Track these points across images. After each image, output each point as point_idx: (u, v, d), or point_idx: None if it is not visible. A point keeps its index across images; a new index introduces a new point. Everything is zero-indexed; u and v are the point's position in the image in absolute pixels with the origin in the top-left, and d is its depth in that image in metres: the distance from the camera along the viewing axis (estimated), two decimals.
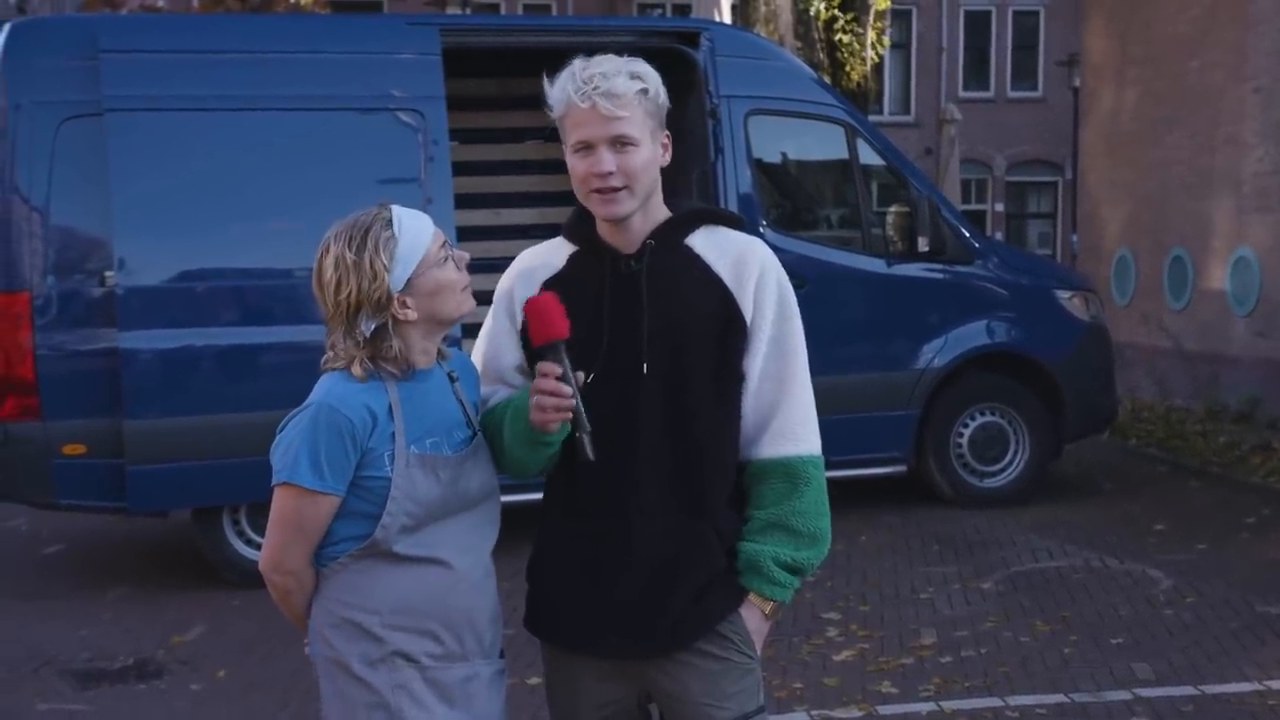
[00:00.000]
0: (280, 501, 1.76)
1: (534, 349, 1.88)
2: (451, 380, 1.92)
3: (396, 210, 1.80)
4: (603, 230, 1.94)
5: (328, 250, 1.76)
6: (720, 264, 1.96)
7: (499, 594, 2.05)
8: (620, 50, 2.10)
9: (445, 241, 1.88)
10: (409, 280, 1.75)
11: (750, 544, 1.95)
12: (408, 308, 1.75)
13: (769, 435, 1.96)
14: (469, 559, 1.98)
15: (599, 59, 1.97)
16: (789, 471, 1.93)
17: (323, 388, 1.77)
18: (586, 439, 1.81)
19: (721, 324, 1.91)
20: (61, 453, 5.49)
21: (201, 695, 4.61)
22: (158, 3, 17.23)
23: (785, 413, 1.95)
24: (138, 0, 16.30)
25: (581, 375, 1.87)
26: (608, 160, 1.86)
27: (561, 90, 1.86)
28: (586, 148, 1.85)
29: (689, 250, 1.97)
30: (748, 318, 1.92)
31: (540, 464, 1.95)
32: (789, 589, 1.99)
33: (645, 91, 1.93)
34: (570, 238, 2.00)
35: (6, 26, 6.08)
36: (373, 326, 1.76)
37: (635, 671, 2.05)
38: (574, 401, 1.79)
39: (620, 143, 1.87)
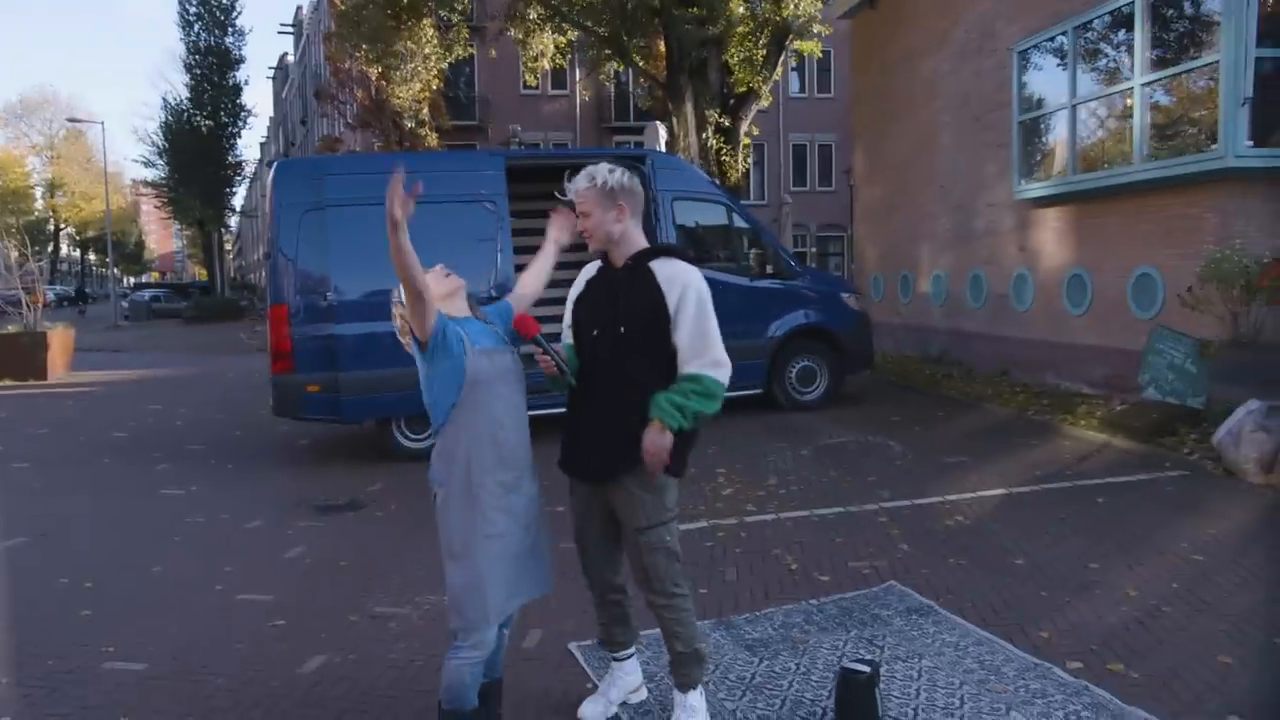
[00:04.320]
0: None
1: (527, 340, 2.95)
2: (482, 319, 2.98)
3: None
4: (609, 256, 3.02)
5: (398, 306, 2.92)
6: (662, 278, 2.89)
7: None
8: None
9: (439, 267, 3.00)
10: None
11: (659, 394, 2.86)
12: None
13: (688, 363, 2.86)
14: (512, 411, 2.93)
15: (581, 173, 3.01)
16: (694, 378, 2.84)
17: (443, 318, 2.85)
18: (570, 376, 2.93)
19: (656, 310, 2.86)
20: (306, 390, 7.77)
21: (383, 519, 6.24)
22: (356, 146, 20.36)
23: (696, 354, 2.84)
24: (346, 147, 19.54)
25: (559, 346, 3.00)
26: (582, 223, 3.00)
27: (567, 190, 3.00)
28: (579, 216, 3.00)
29: (648, 269, 2.91)
30: (671, 309, 2.84)
31: (563, 388, 3.03)
32: (673, 416, 2.81)
33: (593, 184, 2.96)
34: (599, 258, 3.08)
35: (276, 163, 8.65)
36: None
37: (601, 490, 3.05)
38: (555, 363, 2.90)
39: (584, 214, 2.97)
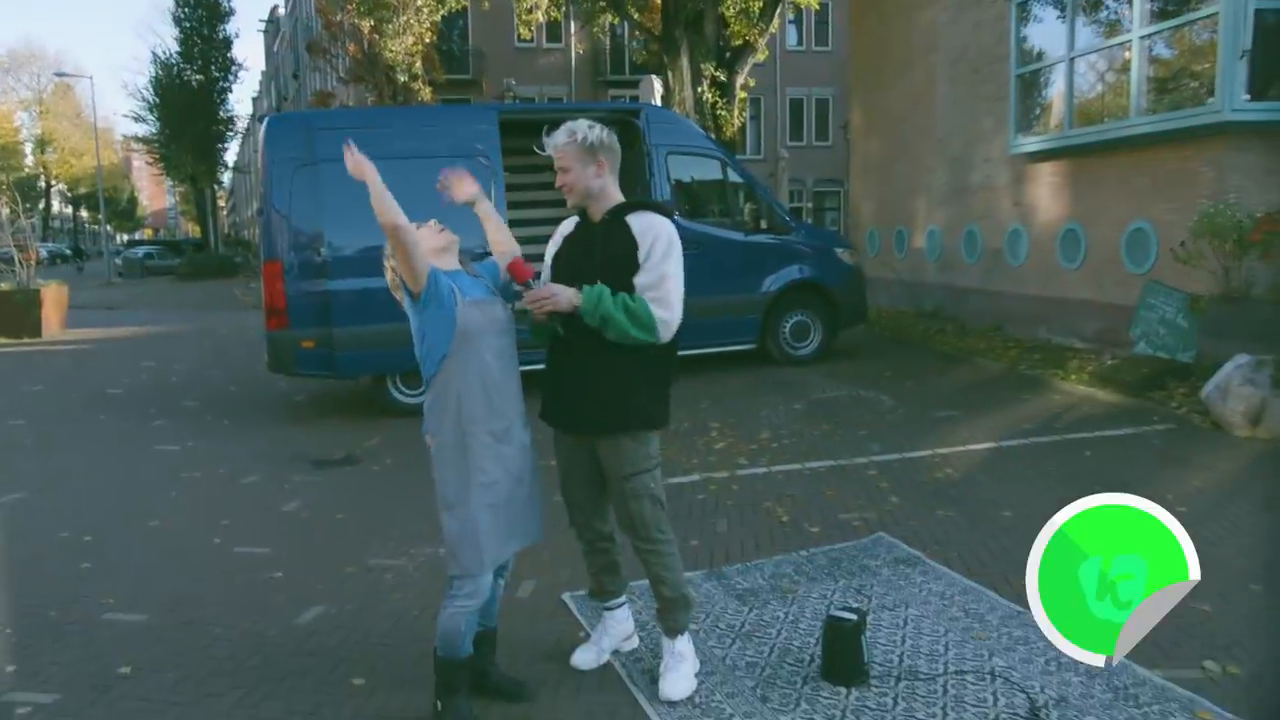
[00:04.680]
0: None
1: (520, 285, 2.97)
2: (472, 274, 3.06)
3: None
4: (587, 210, 3.06)
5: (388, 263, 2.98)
6: (637, 230, 2.98)
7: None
8: (598, 120, 3.09)
9: (418, 223, 2.94)
10: None
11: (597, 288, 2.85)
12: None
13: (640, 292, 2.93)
14: (502, 361, 2.98)
15: (561, 127, 3.02)
16: (636, 299, 2.91)
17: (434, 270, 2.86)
18: (558, 324, 2.96)
19: (632, 261, 2.93)
20: (300, 345, 7.79)
21: (379, 473, 6.34)
22: (349, 101, 20.17)
23: (647, 289, 2.92)
24: (338, 101, 19.35)
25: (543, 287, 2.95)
26: (560, 178, 3.00)
27: (545, 144, 3.03)
28: (558, 170, 3.00)
29: (624, 222, 3.00)
30: (640, 255, 2.93)
31: (547, 337, 3.06)
32: (592, 299, 2.89)
33: (573, 139, 2.98)
34: (577, 214, 3.13)
35: (268, 118, 8.58)
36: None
37: (586, 440, 3.12)
38: (547, 303, 2.86)
39: (563, 169, 2.99)
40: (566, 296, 2.88)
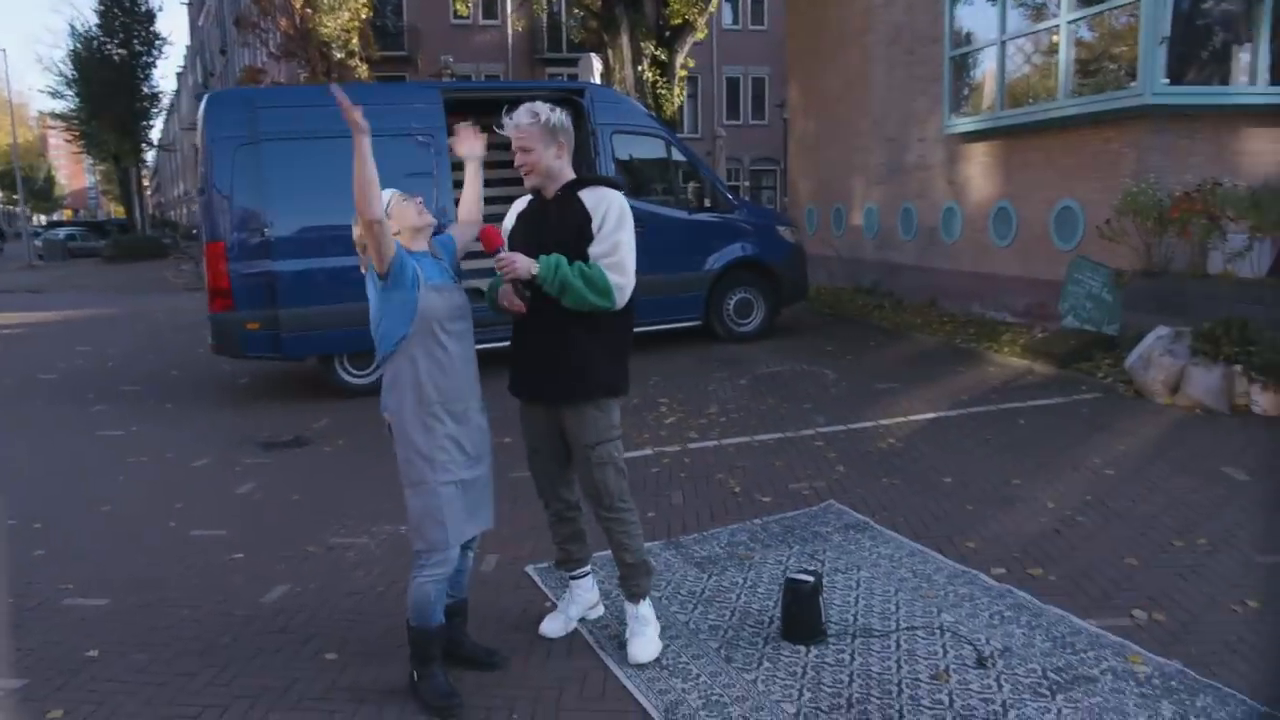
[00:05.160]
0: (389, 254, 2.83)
1: (490, 252, 2.99)
2: (436, 256, 3.07)
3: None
4: (541, 189, 3.15)
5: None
6: (589, 204, 3.07)
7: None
8: (543, 100, 3.16)
9: (404, 196, 3.01)
10: (386, 210, 2.88)
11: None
12: (390, 219, 2.92)
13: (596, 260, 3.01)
14: (460, 345, 3.04)
15: (521, 107, 3.07)
16: (592, 265, 3.00)
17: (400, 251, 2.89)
18: (526, 295, 3.00)
19: (583, 230, 3.04)
20: (245, 327, 7.71)
21: (332, 454, 6.30)
22: (281, 78, 19.42)
23: (602, 256, 3.02)
24: (269, 78, 18.60)
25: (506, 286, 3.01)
26: (520, 157, 3.06)
27: (506, 124, 3.09)
28: (517, 152, 3.07)
29: (577, 198, 3.09)
30: (595, 228, 3.03)
31: (506, 311, 3.08)
32: (550, 268, 2.98)
33: (536, 120, 3.05)
34: (530, 192, 3.22)
35: (207, 95, 8.34)
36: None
37: (553, 411, 3.21)
38: (508, 271, 2.91)
39: (524, 150, 3.04)
40: (525, 264, 2.95)
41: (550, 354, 3.13)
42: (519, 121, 3.04)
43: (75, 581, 4.26)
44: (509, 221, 3.28)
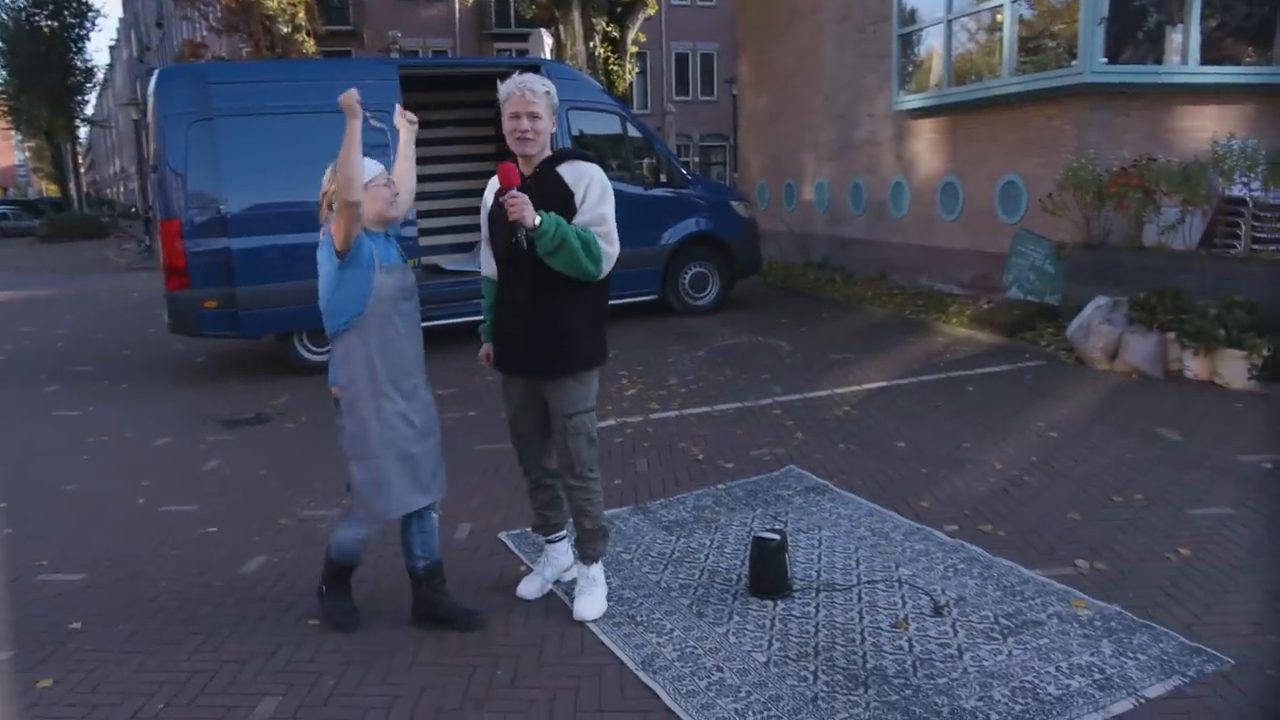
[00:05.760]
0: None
1: (505, 188, 2.98)
2: (386, 234, 3.17)
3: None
4: (520, 162, 3.15)
5: (331, 173, 3.02)
6: (569, 179, 3.12)
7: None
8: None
9: (386, 180, 3.09)
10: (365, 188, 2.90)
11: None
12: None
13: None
14: (408, 324, 3.15)
15: (529, 75, 3.14)
16: (587, 231, 3.05)
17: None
18: (522, 238, 3.00)
19: (566, 204, 3.08)
20: (203, 305, 7.69)
21: (294, 430, 6.40)
22: (223, 53, 18.66)
23: (595, 231, 3.07)
24: (210, 52, 17.87)
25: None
26: (527, 124, 3.07)
27: (508, 87, 3.07)
28: (515, 116, 3.06)
29: (555, 172, 3.14)
30: (577, 201, 3.09)
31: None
32: (551, 221, 3.01)
33: (548, 94, 3.14)
34: (515, 162, 3.12)
35: (158, 71, 8.27)
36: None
37: (534, 383, 3.30)
38: (516, 210, 2.92)
39: (533, 116, 3.08)
40: (531, 212, 2.96)
41: (531, 328, 3.21)
42: (533, 88, 3.05)
43: (48, 558, 4.28)
44: (488, 197, 3.32)
